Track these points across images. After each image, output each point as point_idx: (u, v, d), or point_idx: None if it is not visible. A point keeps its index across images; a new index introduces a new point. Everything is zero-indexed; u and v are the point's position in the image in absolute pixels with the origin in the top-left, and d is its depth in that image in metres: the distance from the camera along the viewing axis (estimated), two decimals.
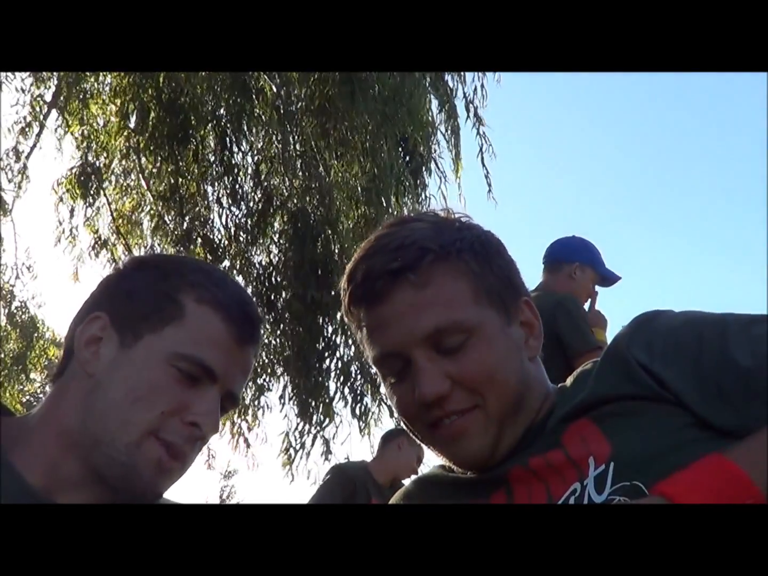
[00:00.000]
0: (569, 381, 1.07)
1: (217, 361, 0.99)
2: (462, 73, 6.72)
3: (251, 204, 7.08)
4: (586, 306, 3.45)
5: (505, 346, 1.01)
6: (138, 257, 1.15)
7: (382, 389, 6.69)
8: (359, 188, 6.69)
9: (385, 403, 6.72)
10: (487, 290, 1.01)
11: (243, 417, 7.33)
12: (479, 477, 1.03)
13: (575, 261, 3.43)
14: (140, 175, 7.30)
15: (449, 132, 6.87)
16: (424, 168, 6.90)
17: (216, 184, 7.07)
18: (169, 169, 6.95)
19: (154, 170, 7.06)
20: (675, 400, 0.93)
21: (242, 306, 1.05)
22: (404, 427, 1.07)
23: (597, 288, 3.52)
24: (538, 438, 1.00)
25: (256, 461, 7.41)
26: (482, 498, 1.01)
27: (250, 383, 7.10)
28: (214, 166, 6.98)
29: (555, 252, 3.50)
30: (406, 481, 3.80)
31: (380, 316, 1.00)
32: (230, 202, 7.06)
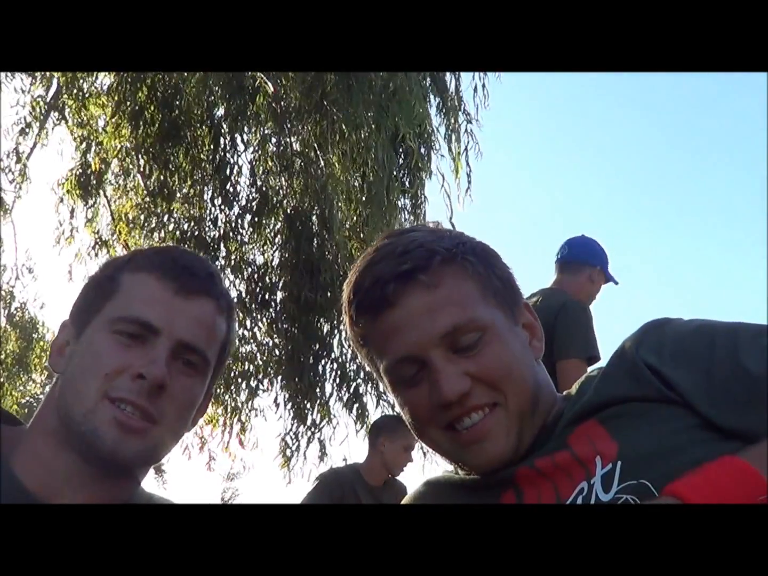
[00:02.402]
0: (574, 388, 1.08)
1: (153, 313, 1.01)
2: (458, 73, 6.70)
3: (246, 203, 7.07)
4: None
5: (517, 345, 1.03)
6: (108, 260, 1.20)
7: (380, 388, 6.65)
8: (357, 187, 6.67)
9: (385, 402, 6.69)
10: (493, 292, 1.03)
11: (236, 418, 7.30)
12: (486, 479, 1.03)
13: (597, 265, 3.39)
14: (138, 176, 7.29)
15: (447, 131, 6.84)
16: (422, 168, 6.86)
17: (212, 183, 7.06)
18: (165, 169, 6.93)
19: (152, 170, 7.04)
20: (681, 401, 0.94)
21: (179, 260, 1.07)
22: (413, 432, 1.06)
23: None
24: (546, 442, 1.01)
25: (252, 464, 7.38)
26: (492, 499, 1.01)
27: (243, 384, 7.09)
28: (210, 165, 6.96)
29: (575, 253, 3.44)
30: (401, 477, 3.90)
31: (393, 322, 0.99)
32: (225, 201, 7.04)
